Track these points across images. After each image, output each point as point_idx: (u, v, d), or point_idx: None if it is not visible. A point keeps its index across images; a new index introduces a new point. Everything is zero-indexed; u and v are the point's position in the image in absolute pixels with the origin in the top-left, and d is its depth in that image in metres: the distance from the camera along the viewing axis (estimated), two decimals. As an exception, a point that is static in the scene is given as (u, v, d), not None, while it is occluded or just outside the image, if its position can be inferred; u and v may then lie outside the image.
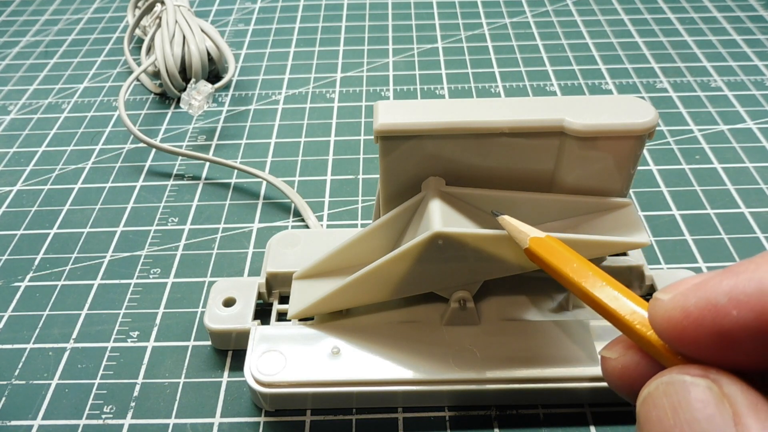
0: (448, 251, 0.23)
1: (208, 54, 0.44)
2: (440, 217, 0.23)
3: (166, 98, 0.45)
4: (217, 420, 0.26)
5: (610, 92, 0.44)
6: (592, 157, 0.24)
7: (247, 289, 0.28)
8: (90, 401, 0.27)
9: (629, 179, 0.25)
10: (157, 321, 0.30)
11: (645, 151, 0.37)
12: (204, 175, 0.39)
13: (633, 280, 0.29)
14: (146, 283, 0.32)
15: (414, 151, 0.24)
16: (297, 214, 0.35)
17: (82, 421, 0.26)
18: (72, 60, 0.50)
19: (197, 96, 0.41)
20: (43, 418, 0.26)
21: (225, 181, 0.38)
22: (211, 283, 0.31)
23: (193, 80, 0.42)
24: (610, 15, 0.53)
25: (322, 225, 0.35)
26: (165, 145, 0.39)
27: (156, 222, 0.35)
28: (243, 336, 0.27)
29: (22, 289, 0.32)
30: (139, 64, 0.47)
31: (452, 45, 0.50)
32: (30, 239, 0.35)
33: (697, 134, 0.40)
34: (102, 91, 0.47)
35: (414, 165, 0.25)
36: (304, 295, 0.27)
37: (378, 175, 0.26)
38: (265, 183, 0.38)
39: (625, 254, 0.29)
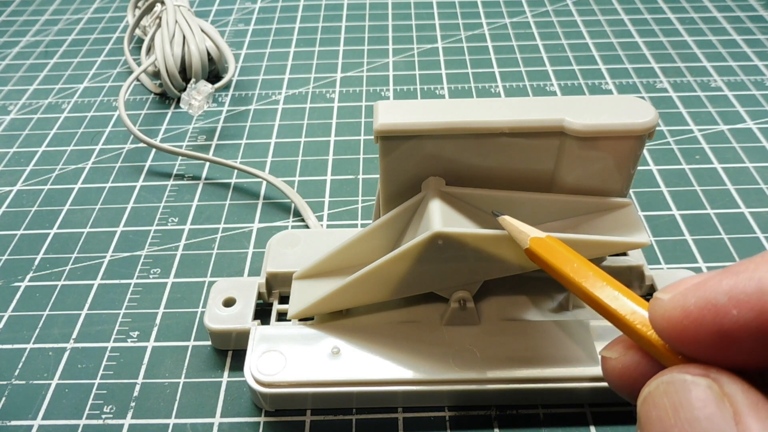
0: (448, 251, 0.23)
1: (208, 54, 0.44)
2: (440, 217, 0.23)
3: (166, 98, 0.45)
4: (217, 420, 0.26)
5: (610, 92, 0.44)
6: (592, 157, 0.24)
7: (247, 289, 0.28)
8: (90, 401, 0.27)
9: (629, 179, 0.25)
10: (157, 321, 0.30)
11: (645, 151, 0.37)
12: (204, 175, 0.39)
13: (633, 280, 0.29)
14: (146, 283, 0.32)
15: (414, 151, 0.24)
16: (297, 214, 0.36)
17: (82, 421, 0.26)
18: (72, 60, 0.50)
19: (197, 96, 0.41)
20: (43, 418, 0.26)
21: (225, 181, 0.38)
22: (211, 283, 0.31)
23: (193, 80, 0.42)
24: (610, 15, 0.53)
25: (322, 225, 0.35)
26: (165, 145, 0.39)
27: (156, 222, 0.35)
28: (243, 336, 0.27)
29: (22, 289, 0.32)
30: (139, 64, 0.47)
31: (452, 45, 0.50)
32: (30, 239, 0.35)
33: (697, 134, 0.40)
34: (102, 91, 0.47)
35: (414, 165, 0.25)
36: (304, 295, 0.27)
37: (378, 175, 0.26)
38: (265, 183, 0.38)
39: (625, 254, 0.29)
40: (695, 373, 0.13)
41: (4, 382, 0.28)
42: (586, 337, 0.26)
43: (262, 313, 0.28)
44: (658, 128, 0.29)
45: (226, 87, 0.46)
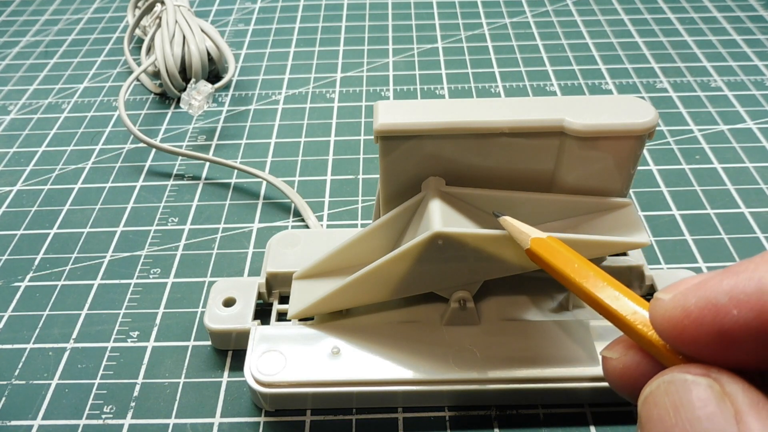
0: (448, 251, 0.23)
1: (208, 54, 0.44)
2: (440, 217, 0.23)
3: (166, 98, 0.45)
4: (217, 420, 0.26)
5: (610, 92, 0.44)
6: (592, 157, 0.24)
7: (247, 289, 0.28)
8: (90, 401, 0.27)
9: (629, 179, 0.25)
10: (157, 321, 0.30)
11: (645, 151, 0.37)
12: (204, 175, 0.39)
13: (633, 280, 0.29)
14: (146, 283, 0.32)
15: (414, 151, 0.24)
16: (297, 214, 0.36)
17: (82, 421, 0.26)
18: (72, 60, 0.50)
19: (197, 96, 0.41)
20: (43, 418, 0.26)
21: (225, 181, 0.38)
22: (211, 283, 0.31)
23: (193, 80, 0.42)
24: (610, 15, 0.53)
25: (322, 225, 0.35)
26: (165, 145, 0.39)
27: (156, 222, 0.35)
28: (243, 336, 0.27)
29: (22, 289, 0.32)
30: (139, 64, 0.47)
31: (452, 45, 0.50)
32: (30, 239, 0.35)
33: (697, 134, 0.40)
34: (102, 91, 0.47)
35: (414, 165, 0.25)
36: (304, 295, 0.27)
37: (378, 175, 0.26)
38: (265, 183, 0.38)
39: (625, 254, 0.29)
40: (696, 372, 0.13)
41: (4, 382, 0.28)
42: (586, 337, 0.26)
43: (262, 313, 0.28)
44: (658, 128, 0.29)
45: (226, 87, 0.46)
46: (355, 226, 0.35)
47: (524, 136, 0.24)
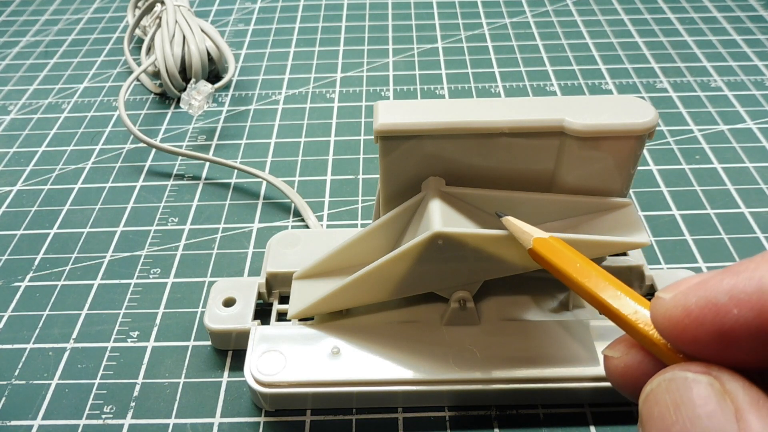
0: (448, 251, 0.23)
1: (208, 54, 0.44)
2: (440, 217, 0.23)
3: (166, 98, 0.45)
4: (217, 420, 0.26)
5: (610, 92, 0.44)
6: (592, 157, 0.24)
7: (247, 289, 0.28)
8: (90, 401, 0.27)
9: (629, 179, 0.25)
10: (157, 321, 0.30)
11: (645, 151, 0.37)
12: (204, 175, 0.39)
13: (633, 280, 0.29)
14: (146, 283, 0.32)
15: (414, 151, 0.24)
16: (297, 214, 0.35)
17: (82, 421, 0.26)
18: (72, 60, 0.50)
19: (197, 96, 0.41)
20: (43, 418, 0.26)
21: (225, 181, 0.38)
22: (211, 283, 0.31)
23: (193, 80, 0.42)
24: (610, 15, 0.53)
25: (322, 225, 0.35)
26: (165, 145, 0.39)
27: (156, 222, 0.35)
28: (243, 336, 0.27)
29: (22, 289, 0.32)
30: (139, 64, 0.47)
31: (452, 45, 0.50)
32: (30, 239, 0.35)
33: (697, 134, 0.40)
34: (102, 91, 0.47)
35: (414, 165, 0.25)
36: (304, 295, 0.27)
37: (378, 175, 0.26)
38: (265, 183, 0.38)
39: (625, 254, 0.29)
40: (697, 370, 0.14)
41: (4, 382, 0.28)
42: (587, 337, 0.26)
43: (262, 313, 0.28)
44: (658, 128, 0.29)
45: (226, 87, 0.46)
46: (355, 226, 0.35)
47: (524, 136, 0.24)
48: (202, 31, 0.45)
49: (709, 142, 0.39)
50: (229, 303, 0.28)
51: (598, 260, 0.26)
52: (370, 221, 0.30)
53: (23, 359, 0.29)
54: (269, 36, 0.52)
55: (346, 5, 0.56)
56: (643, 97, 0.43)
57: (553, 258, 0.20)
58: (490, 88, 0.45)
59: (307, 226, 0.34)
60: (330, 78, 0.47)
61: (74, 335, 0.30)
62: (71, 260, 0.33)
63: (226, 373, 0.28)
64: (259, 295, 0.29)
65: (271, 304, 0.29)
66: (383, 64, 0.48)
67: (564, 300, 0.27)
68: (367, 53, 0.49)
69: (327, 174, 0.38)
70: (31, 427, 0.26)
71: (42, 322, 0.30)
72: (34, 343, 0.29)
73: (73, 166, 0.40)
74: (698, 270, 0.31)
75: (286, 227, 0.35)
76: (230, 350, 0.28)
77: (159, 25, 0.45)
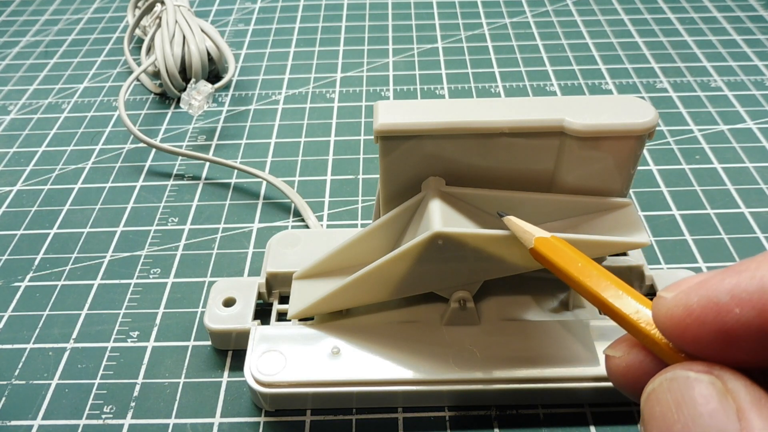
0: (448, 251, 0.23)
1: (208, 54, 0.44)
2: (440, 217, 0.23)
3: (166, 98, 0.45)
4: (217, 420, 0.26)
5: (610, 92, 0.44)
6: (592, 157, 0.24)
7: (247, 289, 0.28)
8: (90, 401, 0.27)
9: (629, 179, 0.25)
10: (157, 321, 0.30)
11: (645, 151, 0.37)
12: (204, 175, 0.39)
13: (633, 280, 0.29)
14: (146, 283, 0.32)
15: (414, 151, 0.24)
16: (297, 214, 0.35)
17: (82, 421, 0.26)
18: (72, 60, 0.50)
19: (197, 96, 0.41)
20: (43, 418, 0.26)
21: (225, 181, 0.38)
22: (211, 283, 0.31)
23: (193, 80, 0.42)
24: (610, 15, 0.53)
25: (322, 225, 0.35)
26: (165, 145, 0.39)
27: (156, 222, 0.35)
28: (243, 336, 0.27)
29: (22, 289, 0.32)
30: (139, 64, 0.47)
31: (452, 45, 0.50)
32: (30, 239, 0.35)
33: (697, 134, 0.40)
34: (102, 91, 0.47)
35: (414, 165, 0.25)
36: (304, 295, 0.27)
37: (378, 175, 0.26)
38: (265, 183, 0.38)
39: (625, 254, 0.29)
40: (698, 369, 0.14)
41: (4, 382, 0.28)
42: (587, 337, 0.26)
43: (262, 313, 0.28)
44: (658, 128, 0.29)
45: (226, 87, 0.46)
46: (355, 226, 0.35)
47: (524, 136, 0.24)
48: (202, 31, 0.45)
49: (709, 142, 0.39)
50: (229, 303, 0.28)
51: (599, 260, 0.26)
52: (370, 221, 0.30)
53: (23, 359, 0.29)
54: (269, 36, 0.52)
55: (346, 5, 0.56)
56: (643, 97, 0.43)
57: (555, 257, 0.20)
58: (490, 88, 0.45)
59: (307, 226, 0.34)
60: (330, 78, 0.47)
61: (74, 335, 0.29)
62: (71, 260, 0.33)
63: (226, 373, 0.28)
64: (259, 295, 0.29)
65: (271, 304, 0.29)
66: (383, 64, 0.48)
67: (564, 300, 0.27)
68: (367, 53, 0.49)
69: (327, 174, 0.38)
70: (31, 427, 0.26)
71: (42, 322, 0.30)
72: (34, 343, 0.29)
73: (73, 166, 0.40)
74: (698, 270, 0.31)
75: (286, 227, 0.35)
76: (230, 350, 0.28)
77: (159, 25, 0.45)
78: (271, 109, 0.44)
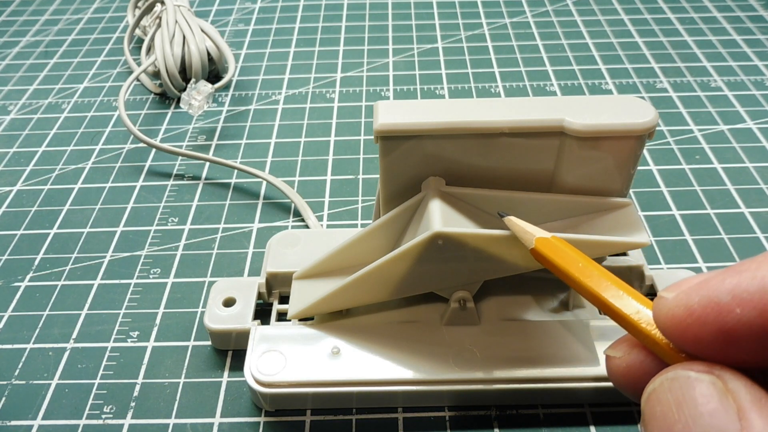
0: (448, 251, 0.23)
1: (208, 54, 0.44)
2: (440, 217, 0.23)
3: (166, 98, 0.45)
4: (217, 420, 0.26)
5: (610, 92, 0.44)
6: (592, 157, 0.24)
7: (247, 289, 0.28)
8: (90, 401, 0.27)
9: (629, 179, 0.25)
10: (157, 321, 0.30)
11: (645, 151, 0.37)
12: (204, 175, 0.39)
13: (633, 280, 0.29)
14: (146, 283, 0.32)
15: (414, 151, 0.24)
16: (297, 214, 0.35)
17: (82, 421, 0.26)
18: (72, 60, 0.50)
19: (197, 96, 0.41)
20: (43, 418, 0.26)
21: (225, 181, 0.38)
22: (211, 283, 0.31)
23: (193, 80, 0.42)
24: (610, 15, 0.53)
25: (322, 225, 0.35)
26: (165, 145, 0.39)
27: (156, 222, 0.35)
28: (243, 336, 0.27)
29: (22, 289, 0.32)
30: (139, 64, 0.47)
31: (452, 45, 0.50)
32: (30, 239, 0.35)
33: (697, 134, 0.40)
34: (102, 91, 0.47)
35: (414, 165, 0.25)
36: (304, 295, 0.27)
37: (378, 175, 0.26)
38: (265, 183, 0.38)
39: (625, 254, 0.29)
40: (699, 369, 0.14)
41: (4, 382, 0.28)
42: (587, 337, 0.26)
43: (262, 313, 0.28)
44: (658, 128, 0.29)
45: (226, 87, 0.46)
46: (355, 226, 0.35)
47: (524, 136, 0.24)
48: (202, 31, 0.45)
49: (709, 142, 0.39)
50: (229, 303, 0.28)
51: (599, 260, 0.26)
52: (370, 221, 0.30)
53: (23, 359, 0.29)
54: (269, 36, 0.52)
55: (346, 5, 0.56)
56: (643, 97, 0.43)
57: (556, 258, 0.20)
58: (490, 88, 0.45)
59: (307, 226, 0.34)
60: (330, 78, 0.47)
61: (74, 335, 0.29)
62: (71, 260, 0.33)
63: (226, 373, 0.28)
64: (259, 295, 0.29)
65: (271, 304, 0.29)
66: (383, 64, 0.48)
67: (564, 300, 0.27)
68: (367, 53, 0.49)
69: (327, 174, 0.38)
70: (31, 427, 0.26)
71: (42, 322, 0.30)
72: (34, 343, 0.29)
73: (73, 166, 0.40)
74: (698, 270, 0.31)
75: (286, 227, 0.35)
76: (230, 350, 0.28)
77: (159, 25, 0.45)
78: (271, 109, 0.44)
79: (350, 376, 0.25)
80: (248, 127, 0.42)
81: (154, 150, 0.40)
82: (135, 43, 0.52)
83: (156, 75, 0.45)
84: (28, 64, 0.50)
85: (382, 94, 0.45)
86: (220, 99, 0.45)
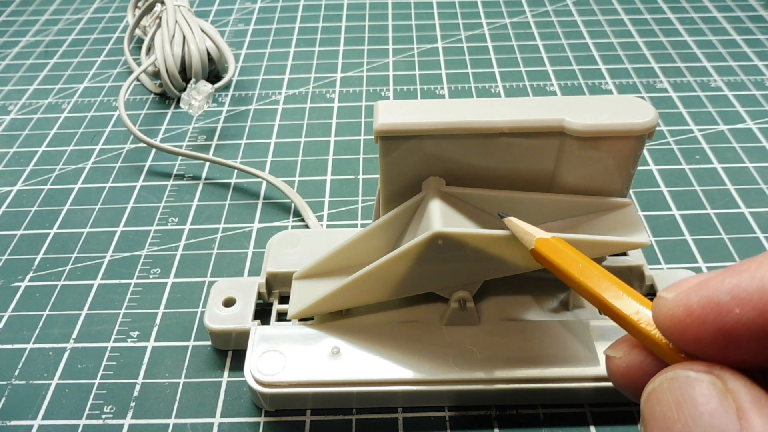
0: (447, 251, 0.23)
1: (208, 54, 0.44)
2: (440, 217, 0.23)
3: (166, 98, 0.45)
4: (217, 420, 0.26)
5: (610, 92, 0.44)
6: (592, 157, 0.24)
7: (247, 289, 0.28)
8: (90, 401, 0.27)
9: (629, 179, 0.25)
10: (157, 321, 0.30)
11: (645, 151, 0.37)
12: (204, 175, 0.39)
13: (633, 280, 0.29)
14: (146, 283, 0.32)
15: (414, 151, 0.24)
16: (297, 214, 0.35)
17: (82, 421, 0.26)
18: (72, 60, 0.50)
19: (197, 96, 0.41)
20: (43, 418, 0.26)
21: (225, 181, 0.38)
22: (211, 283, 0.31)
23: (193, 80, 0.42)
24: (610, 15, 0.53)
25: (322, 225, 0.35)
26: (165, 145, 0.39)
27: (156, 222, 0.35)
28: (243, 336, 0.27)
29: (22, 289, 0.32)
30: (139, 64, 0.47)
31: (452, 45, 0.50)
32: (30, 239, 0.35)
33: (697, 134, 0.40)
34: (102, 91, 0.47)
35: (414, 165, 0.25)
36: (304, 295, 0.27)
37: (378, 175, 0.26)
38: (265, 183, 0.38)
39: (625, 254, 0.29)
40: (699, 369, 0.14)
41: (4, 382, 0.28)
42: (587, 337, 0.26)
43: (262, 313, 0.28)
44: (658, 128, 0.29)
45: (226, 87, 0.46)
46: (355, 226, 0.35)
47: (524, 136, 0.24)
48: (202, 31, 0.45)
49: (709, 142, 0.39)
50: (229, 303, 0.28)
51: (599, 260, 0.26)
52: (370, 221, 0.30)
53: (23, 359, 0.29)
54: (269, 36, 0.52)
55: (346, 5, 0.56)
56: (643, 97, 0.43)
57: (556, 258, 0.20)
58: (490, 88, 0.45)
59: (307, 226, 0.34)
60: (330, 78, 0.47)
61: (74, 335, 0.29)
62: (71, 260, 0.33)
63: (226, 373, 0.28)
64: (259, 295, 0.29)
65: (271, 304, 0.29)
66: (383, 64, 0.48)
67: (564, 300, 0.27)
68: (367, 53, 0.49)
69: (327, 174, 0.38)
70: (31, 427, 0.26)
71: (42, 322, 0.30)
72: (34, 343, 0.29)
73: (73, 166, 0.40)
74: (698, 270, 0.31)
75: (286, 227, 0.35)
76: (230, 350, 0.28)
77: (159, 25, 0.45)
78: (271, 109, 0.44)
79: (350, 376, 0.25)
80: (248, 127, 0.42)
81: (154, 150, 0.40)
82: (135, 43, 0.52)
83: (156, 75, 0.45)
84: (28, 64, 0.50)
85: (382, 94, 0.45)
86: (220, 99, 0.45)
